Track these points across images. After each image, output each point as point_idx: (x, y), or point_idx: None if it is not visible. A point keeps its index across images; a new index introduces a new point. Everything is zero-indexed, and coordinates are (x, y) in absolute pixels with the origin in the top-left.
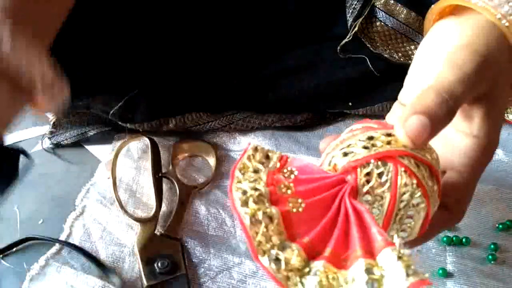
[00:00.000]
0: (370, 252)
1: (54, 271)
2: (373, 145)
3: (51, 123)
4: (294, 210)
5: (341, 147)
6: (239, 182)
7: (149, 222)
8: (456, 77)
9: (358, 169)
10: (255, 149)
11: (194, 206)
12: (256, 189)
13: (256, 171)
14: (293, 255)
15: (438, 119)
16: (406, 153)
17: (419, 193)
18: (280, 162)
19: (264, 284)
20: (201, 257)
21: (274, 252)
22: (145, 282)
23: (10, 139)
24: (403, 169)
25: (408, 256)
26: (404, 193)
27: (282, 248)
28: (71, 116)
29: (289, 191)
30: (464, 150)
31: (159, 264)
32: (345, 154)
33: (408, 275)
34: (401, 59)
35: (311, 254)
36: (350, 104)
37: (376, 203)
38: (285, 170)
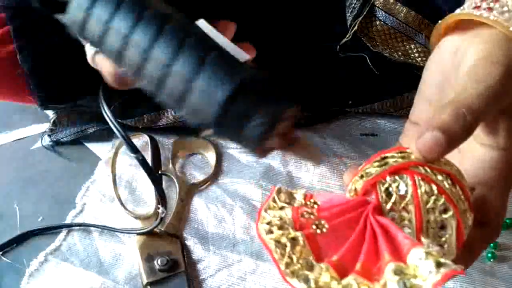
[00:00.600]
0: (399, 257)
1: (53, 267)
2: (386, 163)
3: (51, 120)
4: (318, 231)
5: (359, 173)
6: (265, 219)
7: (149, 219)
8: (477, 90)
9: (377, 187)
10: (279, 191)
11: (194, 203)
12: (280, 219)
13: (281, 208)
14: (322, 273)
15: (453, 135)
16: (420, 164)
17: (442, 200)
18: (305, 199)
19: (264, 282)
20: (200, 255)
21: (302, 272)
22: (145, 279)
23: (10, 137)
24: (420, 178)
25: (437, 252)
26: (427, 202)
27: (311, 268)
28: (70, 114)
29: (312, 216)
30: (492, 164)
31: (159, 262)
32: (362, 177)
33: (439, 267)
34: (401, 58)
35: (342, 272)
36: (350, 102)
37: (404, 221)
38: (308, 202)
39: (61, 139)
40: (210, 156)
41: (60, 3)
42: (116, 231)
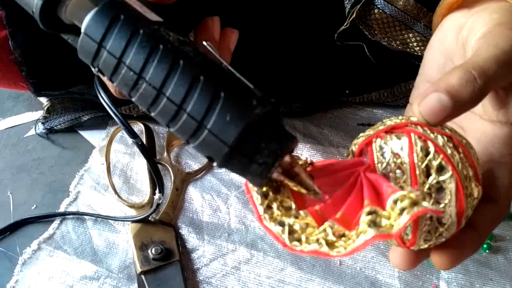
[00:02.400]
0: (380, 205)
1: (46, 255)
2: (384, 124)
3: (45, 108)
4: None
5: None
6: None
7: (143, 208)
8: (491, 54)
9: (372, 146)
10: None
11: (189, 192)
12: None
13: None
14: (300, 219)
15: (461, 99)
16: (418, 123)
17: (439, 159)
18: (304, 163)
19: (258, 271)
20: (195, 244)
21: (280, 217)
22: (138, 268)
23: (3, 125)
24: (417, 136)
25: (417, 196)
26: (423, 161)
27: (290, 214)
28: (64, 102)
29: None
30: (503, 140)
31: (153, 250)
32: (359, 139)
33: (412, 206)
34: (399, 47)
35: (322, 221)
36: (347, 91)
37: (400, 183)
38: (304, 164)
39: (55, 127)
40: None
41: (68, 26)
42: (110, 219)
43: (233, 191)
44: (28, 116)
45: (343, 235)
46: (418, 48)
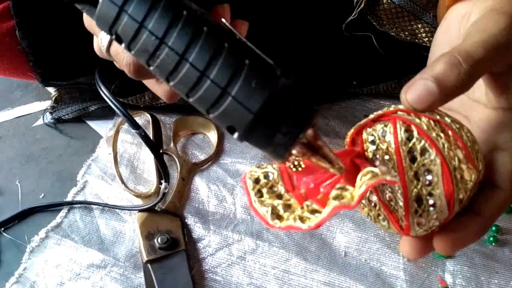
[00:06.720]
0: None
1: (54, 243)
2: (376, 115)
3: (53, 98)
4: (294, 169)
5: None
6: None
7: (149, 198)
8: (478, 38)
9: (362, 135)
10: None
11: (195, 183)
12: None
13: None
14: (282, 201)
15: (447, 84)
16: (403, 110)
17: (422, 142)
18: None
19: (264, 261)
20: (201, 234)
21: (267, 200)
22: (145, 257)
23: (12, 114)
24: (401, 121)
25: (382, 171)
26: (407, 145)
27: (276, 197)
28: (72, 92)
29: (299, 168)
30: (506, 126)
31: (159, 240)
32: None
33: (371, 179)
34: (408, 38)
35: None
36: (355, 83)
37: (387, 167)
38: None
39: (63, 117)
40: (212, 135)
41: None
42: (117, 208)
43: (239, 181)
44: (36, 105)
45: (317, 211)
46: (426, 39)
